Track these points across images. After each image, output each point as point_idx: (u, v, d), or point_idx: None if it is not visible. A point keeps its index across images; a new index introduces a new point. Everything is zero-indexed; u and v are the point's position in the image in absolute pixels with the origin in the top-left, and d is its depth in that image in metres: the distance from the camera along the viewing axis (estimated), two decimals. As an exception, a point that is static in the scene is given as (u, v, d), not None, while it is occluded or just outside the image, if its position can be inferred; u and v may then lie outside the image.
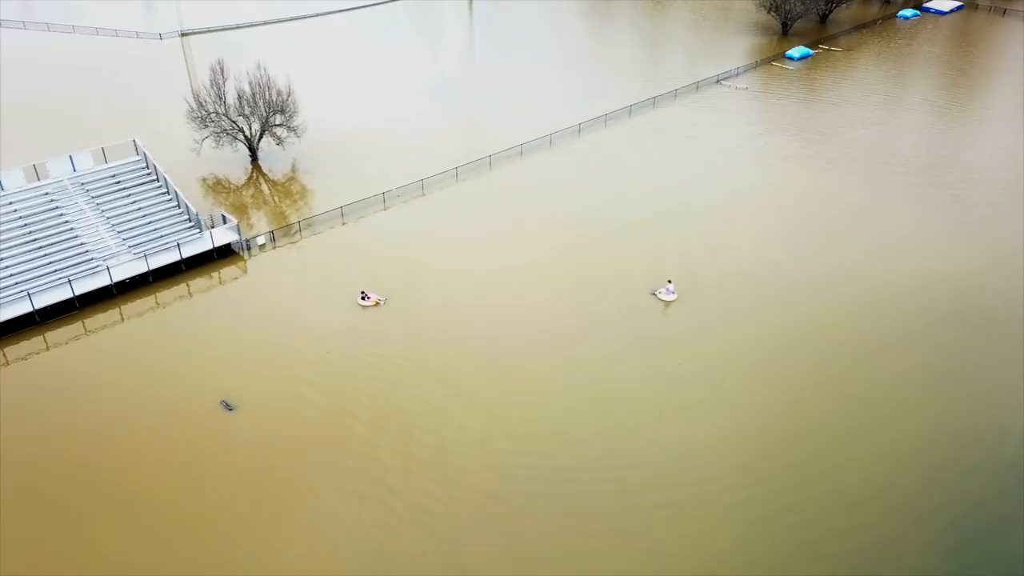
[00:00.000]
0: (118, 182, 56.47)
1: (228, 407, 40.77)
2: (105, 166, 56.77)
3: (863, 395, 41.15)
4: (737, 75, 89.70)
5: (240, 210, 61.41)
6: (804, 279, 51.28)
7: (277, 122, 67.38)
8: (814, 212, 59.94)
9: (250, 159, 68.76)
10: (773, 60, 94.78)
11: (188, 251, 53.00)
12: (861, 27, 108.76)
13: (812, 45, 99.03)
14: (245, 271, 54.38)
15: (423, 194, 63.50)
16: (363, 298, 48.69)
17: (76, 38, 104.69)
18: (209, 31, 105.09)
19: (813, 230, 57.32)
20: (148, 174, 57.63)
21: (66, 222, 52.86)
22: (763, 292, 49.81)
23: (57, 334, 47.29)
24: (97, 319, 48.71)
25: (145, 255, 51.54)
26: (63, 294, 48.48)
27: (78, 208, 53.88)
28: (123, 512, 34.93)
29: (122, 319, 49.03)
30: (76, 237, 52.28)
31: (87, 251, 51.67)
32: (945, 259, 53.21)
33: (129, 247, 52.73)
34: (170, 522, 34.41)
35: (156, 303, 50.50)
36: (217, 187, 65.55)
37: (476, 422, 39.61)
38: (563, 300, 49.31)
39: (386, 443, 38.38)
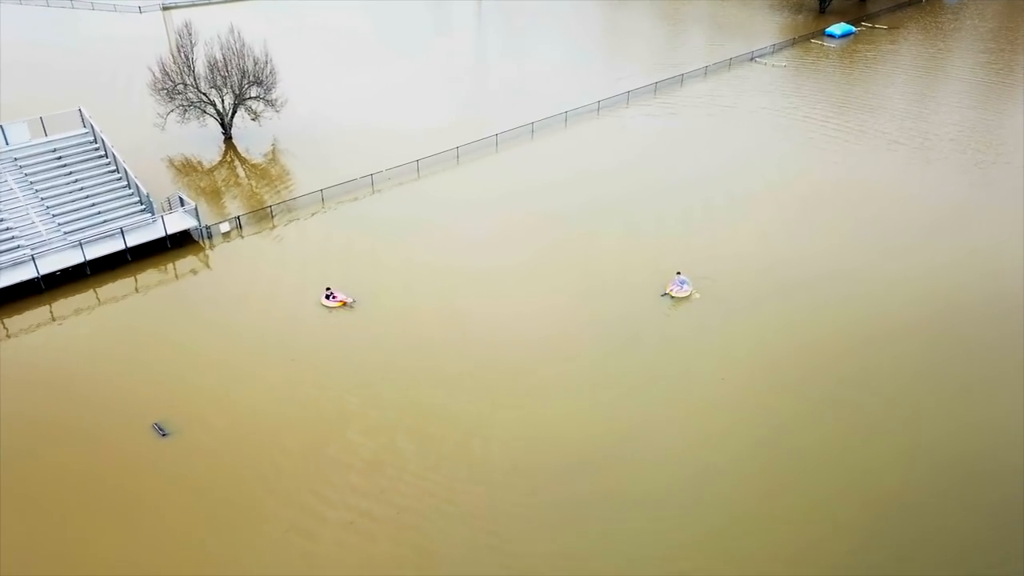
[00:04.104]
0: (59, 158, 47.99)
1: (161, 431, 32.35)
2: (44, 139, 48.31)
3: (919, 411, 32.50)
4: (772, 52, 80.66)
5: (212, 194, 53.07)
6: (856, 275, 42.35)
7: (253, 95, 58.86)
8: (868, 200, 50.71)
9: (223, 137, 60.31)
10: (812, 37, 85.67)
11: (135, 239, 44.59)
12: (905, 5, 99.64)
13: (854, 22, 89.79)
14: (206, 263, 46.04)
15: (418, 177, 54.93)
16: (328, 297, 40.15)
17: (50, 12, 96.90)
18: (193, 5, 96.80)
19: (865, 220, 48.21)
20: (95, 149, 49.15)
21: (-10, 203, 44.55)
22: (807, 290, 41.06)
23: (-32, 336, 39.14)
24: (17, 320, 40.30)
25: (81, 243, 43.11)
26: (-23, 288, 40.22)
27: (7, 187, 45.37)
28: (36, 547, 26.80)
29: (52, 319, 40.70)
30: (1, 221, 43.91)
31: (12, 238, 43.17)
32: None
33: (64, 233, 44.31)
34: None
35: (97, 299, 42.27)
36: (186, 167, 57.16)
37: (474, 434, 31.47)
38: (573, 300, 40.78)
39: (366, 459, 30.61)
